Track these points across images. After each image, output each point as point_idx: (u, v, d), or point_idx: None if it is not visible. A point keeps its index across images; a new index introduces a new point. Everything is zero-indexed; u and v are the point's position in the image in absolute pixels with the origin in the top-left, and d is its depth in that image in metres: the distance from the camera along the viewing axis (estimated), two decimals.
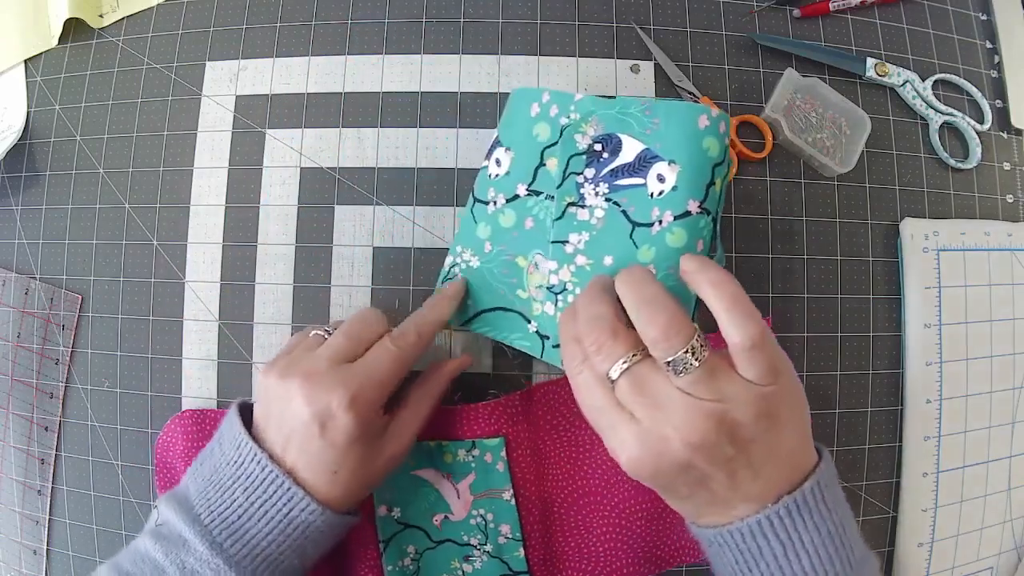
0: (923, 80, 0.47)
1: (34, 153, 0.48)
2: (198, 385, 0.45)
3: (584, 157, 0.37)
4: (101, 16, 0.49)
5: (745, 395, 0.29)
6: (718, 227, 0.37)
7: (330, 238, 0.45)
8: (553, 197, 0.38)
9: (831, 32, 0.47)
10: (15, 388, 0.47)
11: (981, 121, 0.47)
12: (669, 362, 0.29)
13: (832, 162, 0.44)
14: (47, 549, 0.46)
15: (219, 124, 0.46)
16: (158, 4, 0.48)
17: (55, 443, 0.46)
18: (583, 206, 0.37)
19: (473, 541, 0.41)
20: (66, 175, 0.48)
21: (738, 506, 0.30)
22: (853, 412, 0.44)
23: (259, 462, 0.34)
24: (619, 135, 0.37)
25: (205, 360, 0.45)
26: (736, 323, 0.29)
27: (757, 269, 0.44)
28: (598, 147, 0.37)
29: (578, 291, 0.37)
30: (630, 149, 0.37)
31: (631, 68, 0.46)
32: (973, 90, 0.47)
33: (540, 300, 0.38)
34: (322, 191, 0.45)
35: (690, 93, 0.45)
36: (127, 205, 0.46)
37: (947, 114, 0.47)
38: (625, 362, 0.29)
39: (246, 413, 0.36)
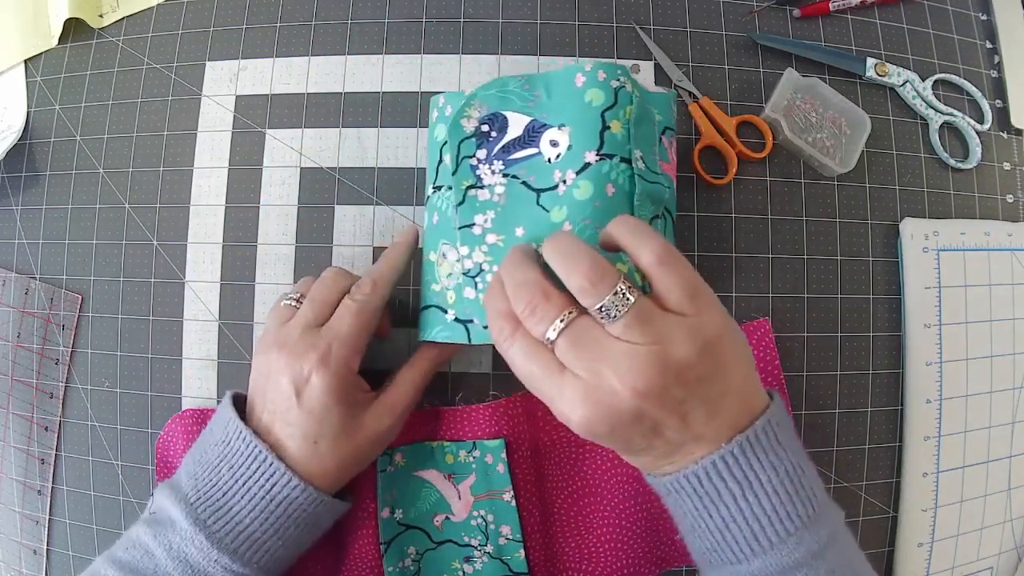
0: (923, 80, 0.47)
1: (34, 153, 0.48)
2: (198, 385, 0.45)
3: (474, 140, 0.38)
4: (101, 16, 0.49)
5: (681, 330, 0.28)
6: (646, 158, 0.36)
7: (330, 238, 0.45)
8: (451, 187, 0.38)
9: (831, 32, 0.47)
10: (15, 388, 0.47)
11: (981, 121, 0.47)
12: (600, 308, 0.28)
13: (832, 162, 0.44)
14: (47, 549, 0.46)
15: (219, 124, 0.46)
16: (158, 4, 0.48)
17: (55, 443, 0.46)
18: (482, 187, 0.37)
19: (474, 542, 0.41)
20: (66, 175, 0.48)
21: (692, 449, 0.29)
22: (853, 412, 0.44)
23: (244, 439, 0.34)
24: (503, 112, 0.37)
25: (205, 360, 0.45)
26: (640, 243, 0.29)
27: (757, 269, 0.44)
28: (485, 128, 0.38)
29: (495, 268, 0.36)
30: (517, 124, 0.37)
31: (631, 68, 0.46)
32: (973, 90, 0.47)
33: (454, 287, 0.37)
34: (322, 191, 0.45)
35: (690, 93, 0.45)
36: (127, 205, 0.46)
37: (947, 114, 0.47)
38: (562, 320, 0.28)
39: (239, 402, 0.37)
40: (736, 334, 0.31)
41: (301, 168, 0.45)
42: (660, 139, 0.39)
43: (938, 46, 0.48)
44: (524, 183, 0.37)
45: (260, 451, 0.34)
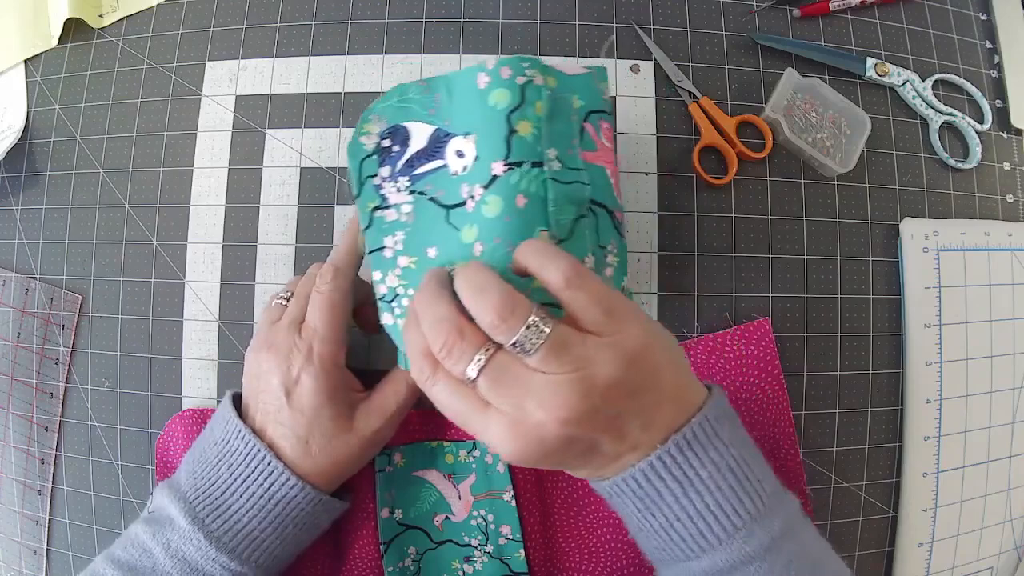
0: (923, 80, 0.47)
1: (34, 153, 0.48)
2: (198, 385, 0.45)
3: (375, 158, 0.35)
4: (101, 16, 0.49)
5: (601, 352, 0.27)
6: (553, 165, 0.33)
7: (330, 238, 0.45)
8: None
9: (831, 32, 0.47)
10: (15, 388, 0.47)
11: (981, 121, 0.47)
12: (515, 343, 0.27)
13: (832, 162, 0.44)
14: (47, 549, 0.46)
15: (219, 124, 0.46)
16: (158, 4, 0.48)
17: (55, 443, 0.46)
18: (388, 207, 0.35)
19: (474, 542, 0.41)
20: (66, 175, 0.48)
21: (630, 458, 0.29)
22: (853, 412, 0.44)
23: (243, 438, 0.34)
24: (404, 124, 0.35)
25: (205, 360, 0.45)
26: (545, 267, 0.28)
27: (757, 269, 0.44)
28: (387, 143, 0.35)
29: (411, 291, 0.34)
30: (420, 134, 0.35)
31: (631, 68, 0.46)
32: (973, 90, 0.47)
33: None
34: (322, 191, 0.45)
35: (690, 93, 0.45)
36: (127, 205, 0.46)
37: (947, 114, 0.47)
38: (479, 358, 0.27)
39: (239, 401, 0.37)
40: (661, 339, 0.30)
41: (301, 168, 0.45)
42: (583, 127, 0.35)
43: (938, 46, 0.48)
44: (432, 199, 0.34)
45: (259, 450, 0.34)
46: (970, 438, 0.44)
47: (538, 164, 0.32)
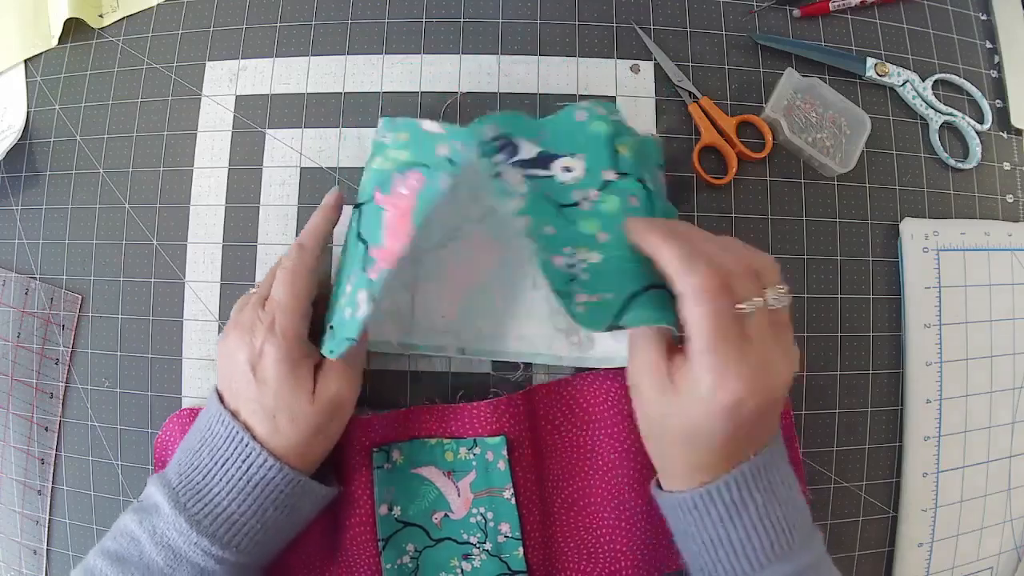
0: (923, 80, 0.47)
1: (34, 153, 0.48)
2: (198, 385, 0.45)
3: (495, 143, 0.36)
4: (101, 16, 0.49)
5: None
6: (652, 184, 0.37)
7: (330, 238, 0.45)
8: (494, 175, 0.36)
9: (831, 32, 0.47)
10: (15, 388, 0.47)
11: (981, 121, 0.47)
12: (774, 300, 0.30)
13: (832, 162, 0.44)
14: (47, 549, 0.46)
15: (219, 124, 0.46)
16: (158, 4, 0.48)
17: (55, 443, 0.46)
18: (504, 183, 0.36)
19: (472, 539, 0.41)
20: (66, 175, 0.48)
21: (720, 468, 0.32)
22: (853, 412, 0.44)
23: (223, 422, 0.35)
24: (513, 138, 0.37)
25: (205, 360, 0.45)
26: (690, 269, 0.30)
27: None
28: (499, 143, 0.37)
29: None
30: (528, 149, 0.37)
31: (631, 68, 0.46)
32: (973, 90, 0.47)
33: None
34: (322, 191, 0.45)
35: (690, 93, 0.45)
36: (127, 205, 0.46)
37: (947, 114, 0.47)
38: (758, 297, 0.30)
39: None
40: None
41: (301, 168, 0.45)
42: (655, 171, 0.40)
43: (938, 46, 0.48)
44: (544, 194, 0.36)
45: (237, 431, 0.34)
46: (970, 438, 0.44)
47: (641, 181, 0.37)
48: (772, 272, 0.31)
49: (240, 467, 0.34)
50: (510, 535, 0.41)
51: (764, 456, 0.32)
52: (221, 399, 0.36)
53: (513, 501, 0.41)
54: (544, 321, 0.42)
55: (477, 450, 0.41)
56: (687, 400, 0.30)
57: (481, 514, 0.41)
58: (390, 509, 0.41)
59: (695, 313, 0.29)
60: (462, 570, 0.41)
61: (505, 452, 0.41)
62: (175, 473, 0.35)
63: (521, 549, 0.41)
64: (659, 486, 0.35)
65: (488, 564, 0.41)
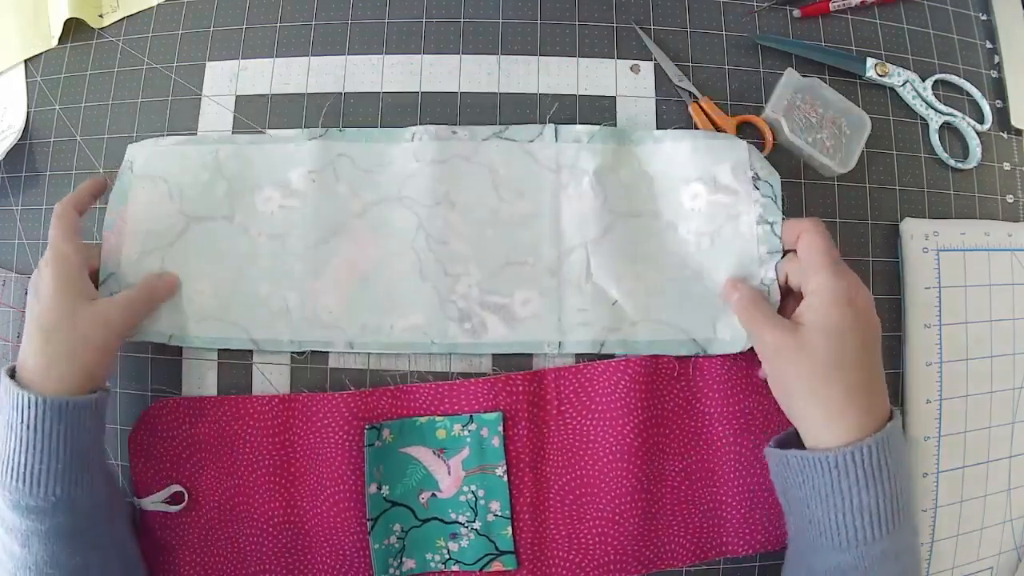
0: (923, 80, 0.47)
1: (34, 153, 0.48)
2: (198, 385, 0.44)
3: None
4: (101, 16, 0.49)
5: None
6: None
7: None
8: None
9: (831, 32, 0.47)
10: None
11: (981, 121, 0.47)
12: None
13: (832, 162, 0.44)
14: None
15: (219, 124, 0.46)
16: (158, 4, 0.48)
17: None
18: None
19: (461, 519, 0.42)
20: (66, 175, 0.48)
21: (878, 404, 0.35)
22: None
23: (4, 386, 0.36)
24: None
25: (205, 360, 0.45)
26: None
27: None
28: None
29: None
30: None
31: (631, 68, 0.46)
32: (973, 90, 0.47)
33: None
34: None
35: (690, 93, 0.45)
36: None
37: (947, 114, 0.47)
38: None
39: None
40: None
41: None
42: None
43: (938, 46, 0.48)
44: None
45: (7, 385, 0.36)
46: (970, 438, 0.44)
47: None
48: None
49: (17, 418, 0.35)
50: (499, 514, 0.41)
51: (895, 423, 0.35)
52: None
53: (505, 479, 0.41)
54: (434, 309, 0.42)
55: (472, 426, 0.41)
56: (811, 331, 0.35)
57: (472, 491, 0.42)
58: (379, 488, 0.41)
59: (815, 241, 0.37)
60: (448, 550, 0.41)
61: (501, 428, 0.41)
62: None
63: (510, 528, 0.41)
64: (780, 446, 0.37)
65: (476, 543, 0.41)
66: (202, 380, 0.44)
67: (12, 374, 0.37)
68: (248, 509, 0.42)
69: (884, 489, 0.33)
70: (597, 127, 0.44)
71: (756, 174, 0.42)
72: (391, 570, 0.41)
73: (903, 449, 0.35)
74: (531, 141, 0.44)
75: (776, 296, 0.41)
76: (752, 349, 0.41)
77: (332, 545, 0.41)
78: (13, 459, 0.35)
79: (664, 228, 0.43)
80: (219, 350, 0.44)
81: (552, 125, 0.44)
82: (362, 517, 0.41)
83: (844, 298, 0.36)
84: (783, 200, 0.42)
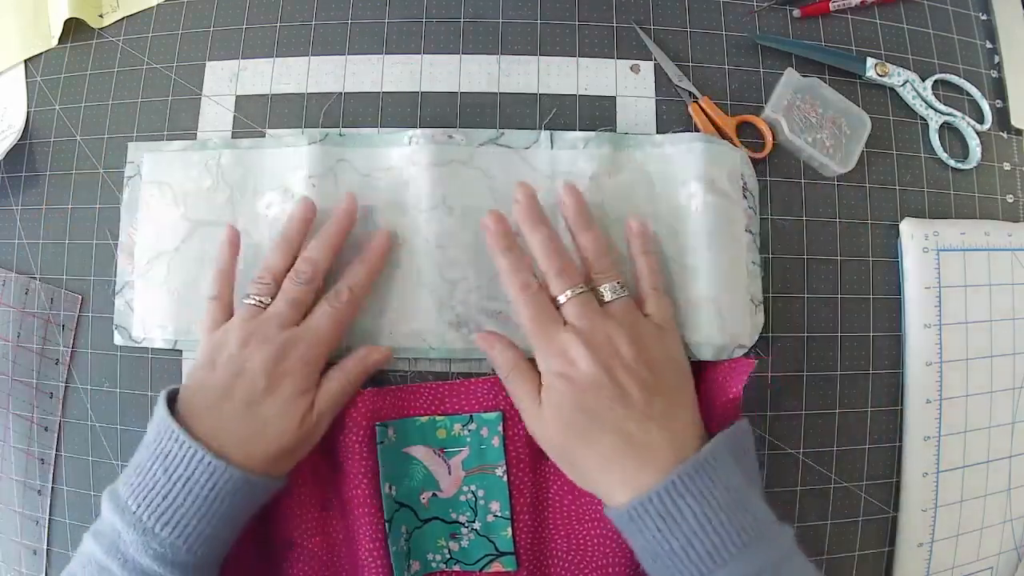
0: (923, 80, 0.47)
1: (34, 153, 0.48)
2: None
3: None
4: (101, 16, 0.49)
5: (655, 330, 0.37)
6: None
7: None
8: None
9: (831, 32, 0.47)
10: (15, 388, 0.47)
11: (981, 121, 0.47)
12: (605, 289, 0.38)
13: (832, 162, 0.44)
14: (47, 549, 0.46)
15: (219, 124, 0.46)
16: (158, 4, 0.48)
17: (55, 443, 0.46)
18: None
19: (462, 519, 0.41)
20: (66, 175, 0.48)
21: (649, 469, 0.33)
22: (853, 412, 0.44)
23: (176, 439, 0.34)
24: None
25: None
26: (654, 271, 0.40)
27: None
28: None
29: None
30: None
31: (631, 68, 0.46)
32: (973, 90, 0.47)
33: None
34: None
35: (690, 93, 0.45)
36: None
37: (947, 114, 0.47)
38: (578, 289, 0.37)
39: (173, 400, 0.37)
40: (686, 364, 0.39)
41: None
42: None
43: (938, 46, 0.48)
44: None
45: (195, 450, 0.34)
46: (970, 438, 0.44)
47: None
48: (599, 263, 0.38)
49: (202, 484, 0.33)
50: (499, 514, 0.41)
51: (692, 463, 0.32)
52: (171, 405, 0.36)
53: (505, 479, 0.41)
54: (432, 315, 0.42)
55: (472, 426, 0.41)
56: (544, 410, 0.36)
57: (472, 492, 0.41)
58: (390, 488, 0.41)
59: (517, 308, 0.38)
60: (449, 549, 0.41)
61: (501, 428, 0.41)
62: (129, 495, 0.34)
63: (510, 529, 0.41)
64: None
65: (476, 544, 0.41)
66: None
67: (170, 400, 0.36)
68: (280, 524, 0.41)
69: (695, 527, 0.31)
70: (593, 133, 0.44)
71: (745, 183, 0.43)
72: (405, 574, 0.41)
73: (728, 474, 0.33)
74: (527, 148, 0.44)
75: (760, 319, 0.42)
76: (747, 354, 0.41)
77: (356, 551, 0.40)
78: (198, 527, 0.34)
79: (662, 230, 0.43)
80: None
81: (548, 132, 0.44)
82: (380, 520, 0.40)
83: (554, 373, 0.35)
84: (765, 197, 0.42)
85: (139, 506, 0.33)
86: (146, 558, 0.32)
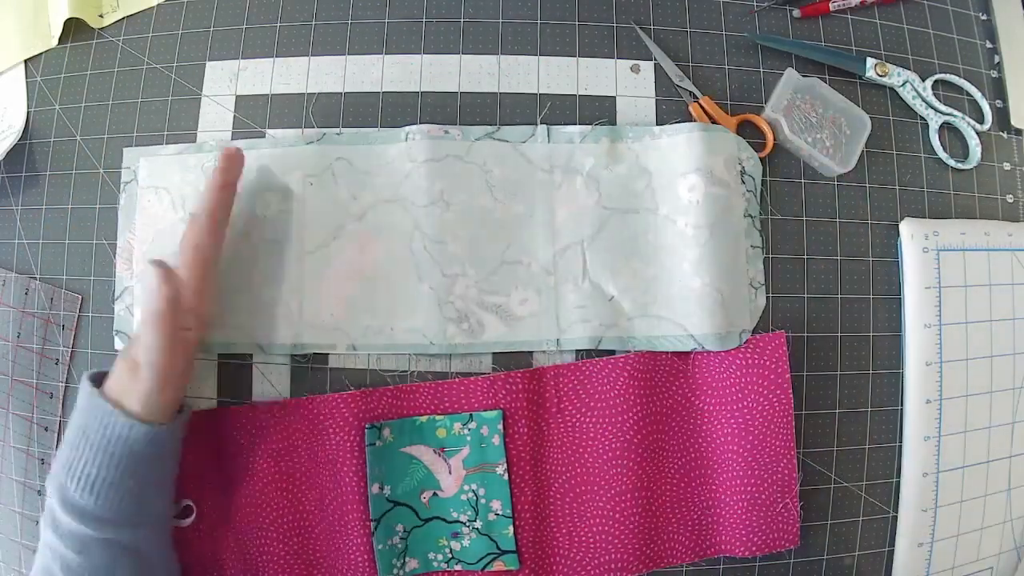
0: (923, 80, 0.47)
1: (34, 153, 0.48)
2: (198, 385, 0.44)
3: None
4: (101, 16, 0.49)
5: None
6: None
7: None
8: None
9: (831, 32, 0.47)
10: (15, 388, 0.47)
11: (981, 121, 0.47)
12: None
13: (832, 162, 0.44)
14: None
15: (219, 124, 0.46)
16: (158, 4, 0.48)
17: (55, 443, 0.46)
18: None
19: (463, 518, 0.41)
20: (66, 175, 0.48)
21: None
22: (853, 412, 0.44)
23: (88, 393, 0.37)
24: None
25: (205, 360, 0.44)
26: None
27: None
28: None
29: None
30: None
31: (631, 68, 0.46)
32: (973, 90, 0.47)
33: None
34: None
35: (690, 93, 0.45)
36: None
37: (947, 114, 0.47)
38: None
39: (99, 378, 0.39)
40: None
41: None
42: None
43: (938, 46, 0.48)
44: None
45: (100, 402, 0.36)
46: (970, 438, 0.44)
47: None
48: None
49: (104, 435, 0.35)
50: (500, 512, 0.41)
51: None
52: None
53: (506, 477, 0.41)
54: (432, 311, 0.42)
55: (472, 425, 0.41)
56: None
57: (472, 491, 0.42)
58: (381, 488, 0.41)
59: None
60: (451, 549, 0.41)
61: (501, 427, 0.41)
62: (62, 469, 0.36)
63: (511, 528, 0.41)
64: None
65: (477, 543, 0.41)
66: (203, 381, 0.44)
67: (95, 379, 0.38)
68: (255, 519, 0.42)
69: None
70: (590, 127, 0.44)
71: (743, 167, 0.43)
72: (395, 571, 0.41)
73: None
74: (523, 142, 0.44)
75: (761, 301, 0.42)
76: (750, 345, 0.41)
77: (339, 548, 0.41)
78: (106, 479, 0.36)
79: (662, 222, 0.43)
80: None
81: (544, 126, 0.44)
82: (366, 518, 0.41)
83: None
84: (764, 195, 0.42)
85: (59, 468, 0.36)
86: (65, 516, 0.35)
